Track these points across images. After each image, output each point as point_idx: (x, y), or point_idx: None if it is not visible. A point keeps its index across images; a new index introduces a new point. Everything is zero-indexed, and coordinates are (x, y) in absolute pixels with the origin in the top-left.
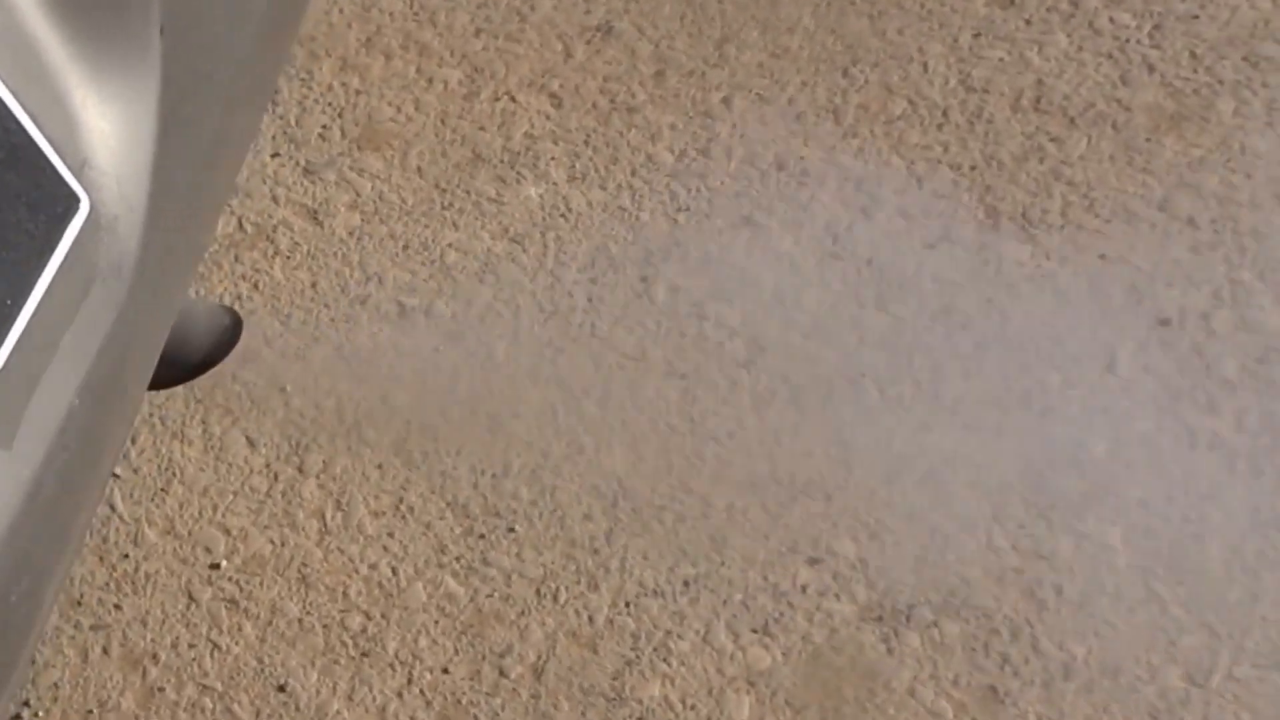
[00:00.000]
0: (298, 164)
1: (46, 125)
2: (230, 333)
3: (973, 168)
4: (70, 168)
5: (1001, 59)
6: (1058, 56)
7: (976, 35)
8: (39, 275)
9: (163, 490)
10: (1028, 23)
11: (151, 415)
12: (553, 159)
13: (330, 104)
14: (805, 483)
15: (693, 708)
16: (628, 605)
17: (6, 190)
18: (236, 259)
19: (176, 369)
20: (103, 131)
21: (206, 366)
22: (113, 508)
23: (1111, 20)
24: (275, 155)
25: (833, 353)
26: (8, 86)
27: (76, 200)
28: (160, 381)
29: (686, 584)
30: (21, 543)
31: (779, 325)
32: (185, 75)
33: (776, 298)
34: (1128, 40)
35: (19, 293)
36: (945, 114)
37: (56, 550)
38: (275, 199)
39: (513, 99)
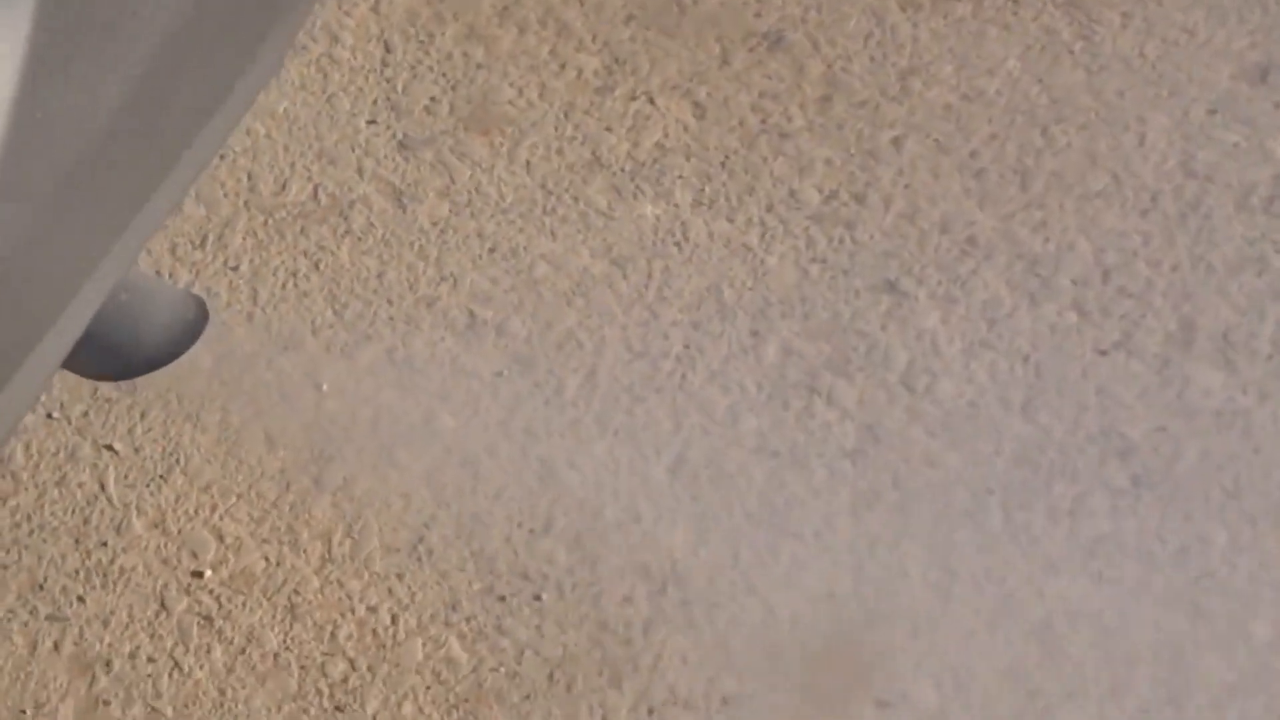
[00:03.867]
0: (394, 135)
1: None
2: (192, 327)
3: (1174, 268)
4: None
5: (1236, 144)
6: None
7: (1212, 112)
8: None
9: (161, 477)
10: (1277, 106)
11: (168, 390)
12: (680, 177)
13: (445, 74)
14: (892, 608)
15: None
16: (650, 712)
17: None
18: (302, 230)
19: (120, 361)
20: None
21: (157, 363)
22: (102, 487)
23: None
24: (371, 122)
25: (959, 458)
26: None
27: None
28: (100, 373)
29: (725, 701)
30: None
31: (903, 414)
32: (75, 32)
33: (906, 382)
34: None
35: None
36: (1154, 199)
37: None
38: (360, 170)
39: (651, 101)
